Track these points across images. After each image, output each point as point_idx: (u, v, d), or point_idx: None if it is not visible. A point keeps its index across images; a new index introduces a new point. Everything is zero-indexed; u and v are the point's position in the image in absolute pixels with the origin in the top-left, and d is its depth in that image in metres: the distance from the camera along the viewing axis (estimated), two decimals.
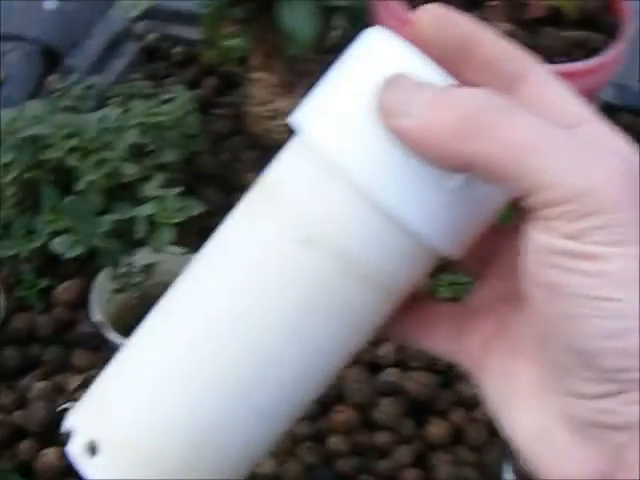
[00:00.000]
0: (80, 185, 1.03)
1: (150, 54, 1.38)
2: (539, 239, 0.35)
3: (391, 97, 0.37)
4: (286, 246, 0.42)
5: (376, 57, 0.41)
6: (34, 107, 1.07)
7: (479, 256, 0.44)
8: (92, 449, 0.45)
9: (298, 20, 0.98)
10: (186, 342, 0.45)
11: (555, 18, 0.95)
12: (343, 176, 0.40)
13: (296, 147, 0.43)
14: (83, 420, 0.47)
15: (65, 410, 0.51)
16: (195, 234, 1.12)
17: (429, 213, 0.40)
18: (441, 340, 0.45)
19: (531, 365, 0.40)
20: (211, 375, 0.44)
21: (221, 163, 1.18)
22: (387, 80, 0.38)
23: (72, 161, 1.04)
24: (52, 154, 1.04)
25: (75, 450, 0.45)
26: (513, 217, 0.42)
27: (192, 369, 0.44)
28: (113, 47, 1.35)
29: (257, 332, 0.43)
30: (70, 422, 0.47)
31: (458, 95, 0.36)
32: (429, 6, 0.40)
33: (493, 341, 0.42)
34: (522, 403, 0.39)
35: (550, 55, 0.94)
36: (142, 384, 0.46)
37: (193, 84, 1.30)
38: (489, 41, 0.40)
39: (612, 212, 0.33)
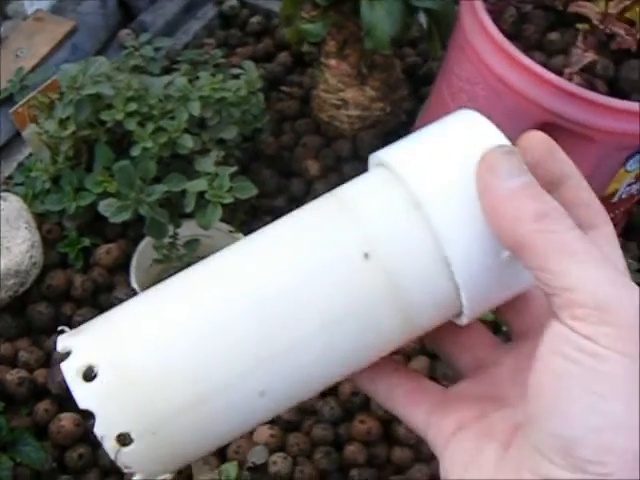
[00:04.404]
0: (135, 151, 1.01)
1: (226, 20, 1.36)
2: (559, 331, 0.39)
3: (499, 157, 0.42)
4: (349, 251, 0.44)
5: (475, 130, 0.45)
6: (101, 63, 1.05)
7: (479, 363, 0.50)
8: (88, 374, 0.44)
9: (378, 17, 0.95)
10: (224, 303, 0.45)
11: None
12: (423, 215, 0.43)
13: (382, 177, 0.46)
14: (86, 344, 0.46)
15: (62, 332, 0.49)
16: (244, 213, 1.12)
17: (476, 271, 0.43)
18: (421, 412, 0.49)
19: (500, 449, 0.43)
20: (233, 340, 0.44)
21: (282, 145, 1.16)
22: (503, 146, 0.42)
23: (130, 125, 1.02)
24: (111, 115, 1.02)
25: (70, 370, 0.45)
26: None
27: (216, 329, 0.45)
28: (190, 8, 1.33)
29: (292, 315, 0.44)
30: (68, 343, 0.46)
31: (546, 196, 0.41)
32: (540, 134, 0.45)
33: (470, 425, 0.46)
34: None
35: (633, 90, 0.90)
36: (161, 328, 0.45)
37: (266, 57, 1.28)
38: (572, 187, 0.45)
39: (626, 328, 0.37)
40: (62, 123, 1.04)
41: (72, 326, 0.96)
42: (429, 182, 0.43)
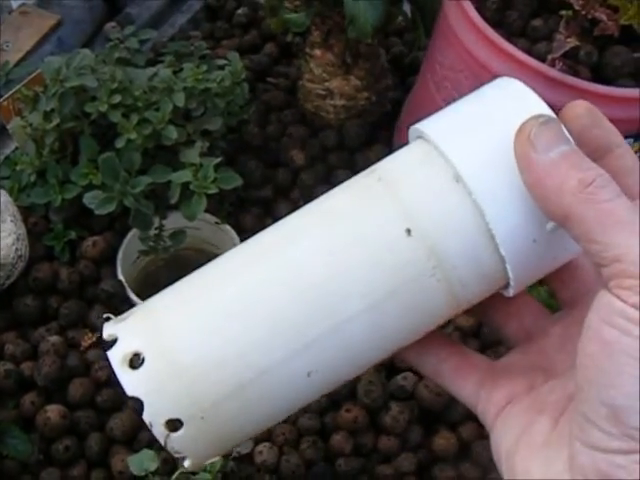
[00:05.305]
0: (119, 143, 1.01)
1: (213, 13, 1.36)
2: (608, 300, 0.39)
3: (536, 128, 0.41)
4: (390, 227, 0.44)
5: (515, 99, 0.45)
6: (85, 56, 1.05)
7: (527, 334, 0.51)
8: (135, 361, 0.44)
9: (360, 6, 0.95)
10: (267, 286, 0.45)
11: (628, 37, 0.90)
12: (464, 189, 0.43)
13: (421, 150, 0.46)
14: (132, 331, 0.46)
15: (108, 319, 0.49)
16: (230, 204, 1.11)
17: (520, 243, 0.43)
18: (470, 385, 0.50)
19: (550, 422, 0.44)
20: (278, 323, 0.44)
21: (267, 135, 1.16)
22: (541, 116, 0.42)
23: (115, 117, 1.02)
24: (95, 107, 1.02)
25: (117, 358, 0.45)
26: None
27: (261, 312, 0.44)
28: (176, 1, 1.33)
29: (336, 296, 0.44)
30: (114, 330, 0.46)
31: (589, 164, 0.40)
32: (585, 102, 0.44)
33: (520, 398, 0.47)
34: (534, 452, 0.44)
35: (617, 76, 0.90)
36: (207, 314, 0.45)
37: (252, 49, 1.28)
38: (618, 155, 0.44)
39: None
40: (46, 116, 1.04)
41: (58, 319, 0.96)
42: (469, 155, 0.43)
